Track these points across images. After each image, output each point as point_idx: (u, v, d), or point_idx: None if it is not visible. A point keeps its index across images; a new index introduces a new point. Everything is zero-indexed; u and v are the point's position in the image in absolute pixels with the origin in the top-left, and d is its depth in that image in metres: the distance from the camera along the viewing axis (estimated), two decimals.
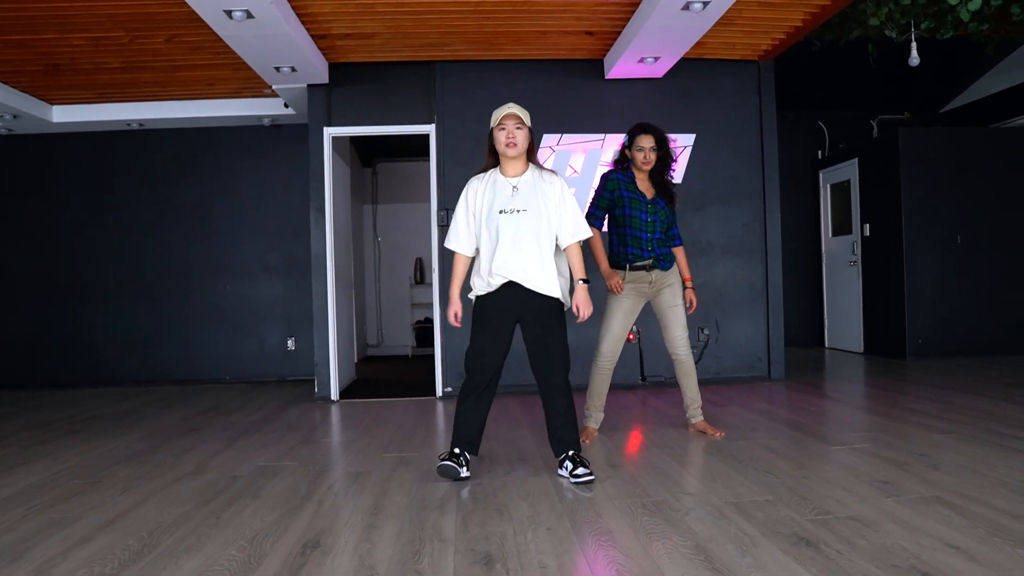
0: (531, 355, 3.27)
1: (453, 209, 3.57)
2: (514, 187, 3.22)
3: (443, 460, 3.22)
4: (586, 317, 3.26)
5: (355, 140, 8.17)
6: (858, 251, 7.81)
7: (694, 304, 4.04)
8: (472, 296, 3.33)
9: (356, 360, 8.17)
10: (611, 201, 3.92)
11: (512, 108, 3.20)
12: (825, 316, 8.50)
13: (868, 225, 7.62)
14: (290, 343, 7.12)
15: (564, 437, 3.26)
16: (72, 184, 7.05)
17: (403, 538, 2.54)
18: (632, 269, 3.90)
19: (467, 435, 3.26)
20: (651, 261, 3.90)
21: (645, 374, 5.89)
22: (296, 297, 7.06)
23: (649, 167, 3.88)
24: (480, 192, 3.25)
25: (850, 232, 7.99)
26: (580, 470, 3.15)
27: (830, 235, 8.44)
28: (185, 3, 4.06)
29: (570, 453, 3.24)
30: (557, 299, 3.25)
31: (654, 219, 3.90)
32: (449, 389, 5.76)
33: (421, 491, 3.11)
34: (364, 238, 9.15)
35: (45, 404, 5.92)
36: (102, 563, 2.36)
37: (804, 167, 8.65)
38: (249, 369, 7.10)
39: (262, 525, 2.72)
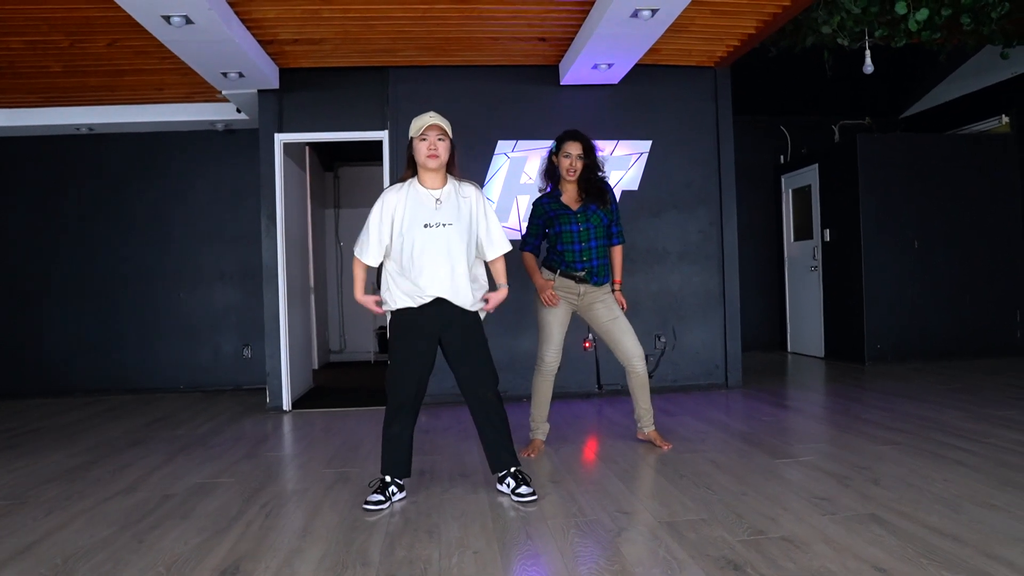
0: (459, 372, 3.20)
1: None
2: (437, 199, 3.12)
3: (372, 492, 3.11)
4: (491, 308, 3.27)
5: (315, 144, 8.07)
6: (819, 256, 7.85)
7: (624, 307, 3.99)
8: (388, 311, 3.21)
9: (317, 367, 8.08)
10: (542, 225, 3.93)
11: (434, 118, 3.09)
12: (787, 320, 8.53)
13: (828, 230, 7.66)
14: (246, 351, 7.00)
15: (502, 452, 3.20)
16: (20, 188, 6.86)
17: (326, 563, 2.47)
18: (562, 275, 3.88)
19: (397, 461, 3.16)
20: (583, 273, 3.86)
21: (601, 383, 5.85)
22: (251, 304, 6.94)
23: (574, 176, 3.83)
24: (399, 204, 3.12)
25: (811, 237, 8.03)
26: (523, 488, 3.10)
27: (792, 240, 8.48)
28: (122, 8, 3.95)
29: (511, 470, 3.18)
30: (476, 313, 3.22)
31: (586, 227, 3.86)
32: None
33: (354, 511, 3.04)
34: (326, 242, 9.04)
35: None
36: None
37: (766, 171, 8.68)
38: (204, 377, 6.97)
39: (184, 549, 2.64)
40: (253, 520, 2.96)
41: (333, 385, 7.13)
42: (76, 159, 6.86)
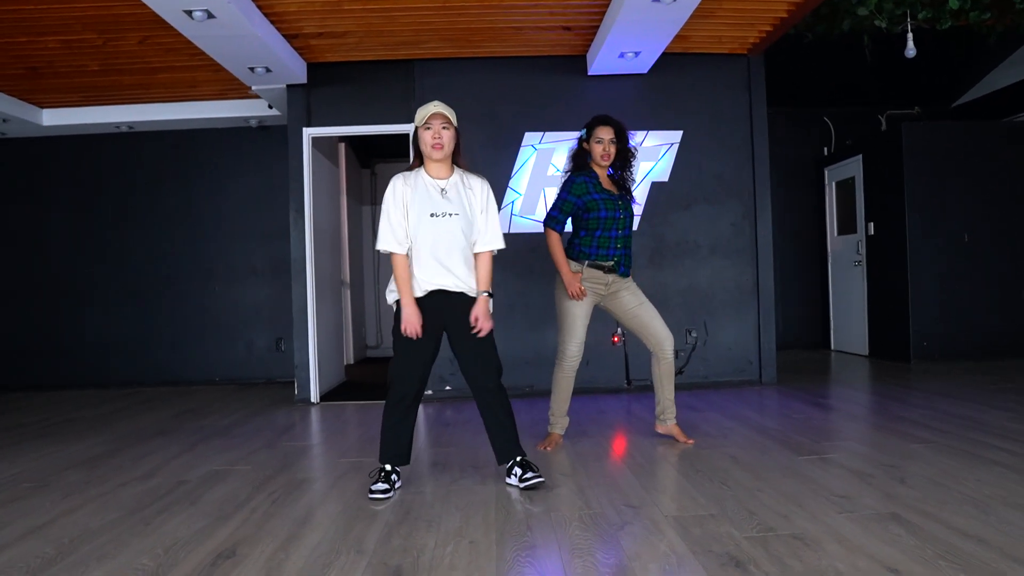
0: (464, 362, 3.15)
1: None
2: (442, 189, 3.08)
3: (376, 481, 3.08)
4: (485, 332, 3.09)
5: (352, 141, 8.13)
6: (863, 250, 7.56)
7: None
8: (392, 302, 3.18)
9: (352, 361, 8.13)
10: (578, 206, 3.75)
11: (438, 107, 3.05)
12: (831, 317, 8.25)
13: (872, 223, 7.37)
14: (280, 344, 7.09)
15: (508, 442, 3.14)
16: (60, 187, 7.10)
17: (320, 549, 2.45)
18: (590, 266, 3.75)
19: (397, 451, 3.13)
20: (612, 263, 3.75)
21: (631, 378, 5.74)
22: (284, 299, 7.02)
23: (608, 161, 3.73)
24: (407, 192, 3.08)
25: (855, 231, 7.74)
26: (529, 473, 3.05)
27: (835, 234, 8.19)
28: (146, 4, 4.02)
29: (517, 459, 3.13)
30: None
31: (625, 215, 3.77)
32: (429, 392, 5.65)
33: (359, 500, 3.02)
34: (364, 239, 9.11)
35: (23, 407, 5.94)
36: (9, 570, 2.31)
37: (807, 164, 8.41)
38: (238, 370, 7.09)
39: (186, 533, 2.65)
40: (258, 507, 2.96)
41: (366, 380, 7.16)
42: (114, 157, 7.05)
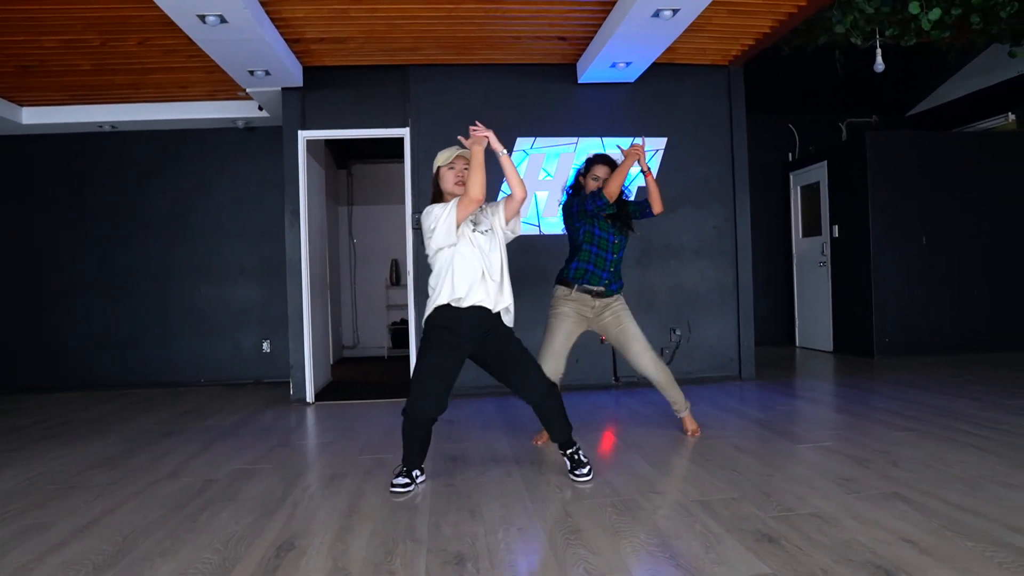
0: (510, 378, 3.31)
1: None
2: (480, 208, 3.29)
3: (397, 476, 3.22)
4: (483, 132, 3.14)
5: (329, 142, 8.17)
6: (827, 252, 7.97)
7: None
8: (433, 307, 3.24)
9: (332, 362, 8.18)
10: (582, 211, 3.92)
11: (463, 150, 3.26)
12: (796, 315, 8.66)
13: (837, 226, 7.78)
14: (265, 345, 7.11)
15: (558, 434, 3.33)
16: (45, 186, 6.99)
17: (376, 539, 2.59)
18: (579, 290, 3.93)
19: (420, 455, 3.29)
20: (602, 288, 3.94)
21: (618, 375, 5.97)
22: (272, 299, 7.07)
23: None
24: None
25: (820, 233, 8.15)
26: (580, 470, 3.27)
27: (800, 236, 8.60)
28: (159, 7, 4.06)
29: (567, 452, 3.33)
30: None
31: (620, 240, 3.98)
32: None
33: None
34: (339, 240, 9.15)
35: (15, 409, 5.86)
36: (76, 568, 2.38)
37: (775, 169, 8.80)
38: (225, 371, 7.09)
39: (237, 528, 2.75)
40: (299, 501, 3.08)
41: (349, 379, 7.24)
42: (100, 157, 6.97)
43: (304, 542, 2.58)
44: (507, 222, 3.32)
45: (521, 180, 3.26)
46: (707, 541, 2.44)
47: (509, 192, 3.28)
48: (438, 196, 3.33)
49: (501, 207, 3.32)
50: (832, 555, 2.26)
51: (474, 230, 3.23)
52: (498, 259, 3.27)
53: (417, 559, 2.38)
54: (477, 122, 3.18)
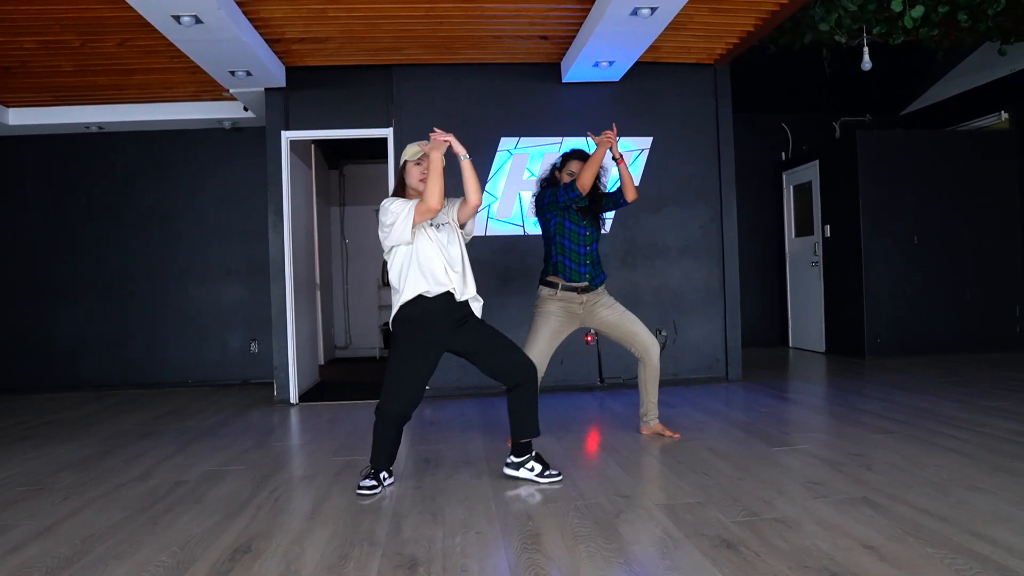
0: (493, 359, 3.28)
1: None
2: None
3: (364, 478, 3.19)
4: (442, 137, 3.15)
5: (321, 142, 8.17)
6: (819, 252, 7.92)
7: None
8: (400, 304, 3.22)
9: (323, 362, 8.18)
10: (554, 203, 3.88)
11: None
12: (789, 316, 8.61)
13: (829, 226, 7.73)
14: (253, 346, 7.11)
15: (530, 429, 3.30)
16: (31, 186, 6.99)
17: (334, 542, 2.56)
18: (564, 289, 3.90)
19: (390, 457, 3.25)
20: (585, 283, 3.92)
21: (604, 376, 5.94)
22: (259, 300, 7.04)
23: None
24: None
25: (812, 233, 8.10)
26: (549, 471, 3.27)
27: (793, 236, 8.55)
28: (133, 8, 4.05)
29: (534, 453, 3.33)
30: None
31: (592, 233, 3.95)
32: None
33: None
34: (332, 240, 9.14)
35: None
36: (29, 570, 2.37)
37: (767, 168, 8.75)
38: (213, 372, 7.08)
39: (198, 530, 2.73)
40: (263, 504, 3.06)
41: (338, 380, 7.23)
42: (85, 157, 6.98)
43: (262, 545, 2.56)
44: (461, 225, 3.31)
45: (479, 187, 3.24)
46: (665, 546, 2.41)
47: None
48: (400, 190, 3.32)
49: (456, 206, 3.30)
50: (789, 562, 2.23)
51: (431, 224, 3.22)
52: (458, 252, 3.26)
53: (371, 563, 2.36)
54: (436, 128, 3.16)
